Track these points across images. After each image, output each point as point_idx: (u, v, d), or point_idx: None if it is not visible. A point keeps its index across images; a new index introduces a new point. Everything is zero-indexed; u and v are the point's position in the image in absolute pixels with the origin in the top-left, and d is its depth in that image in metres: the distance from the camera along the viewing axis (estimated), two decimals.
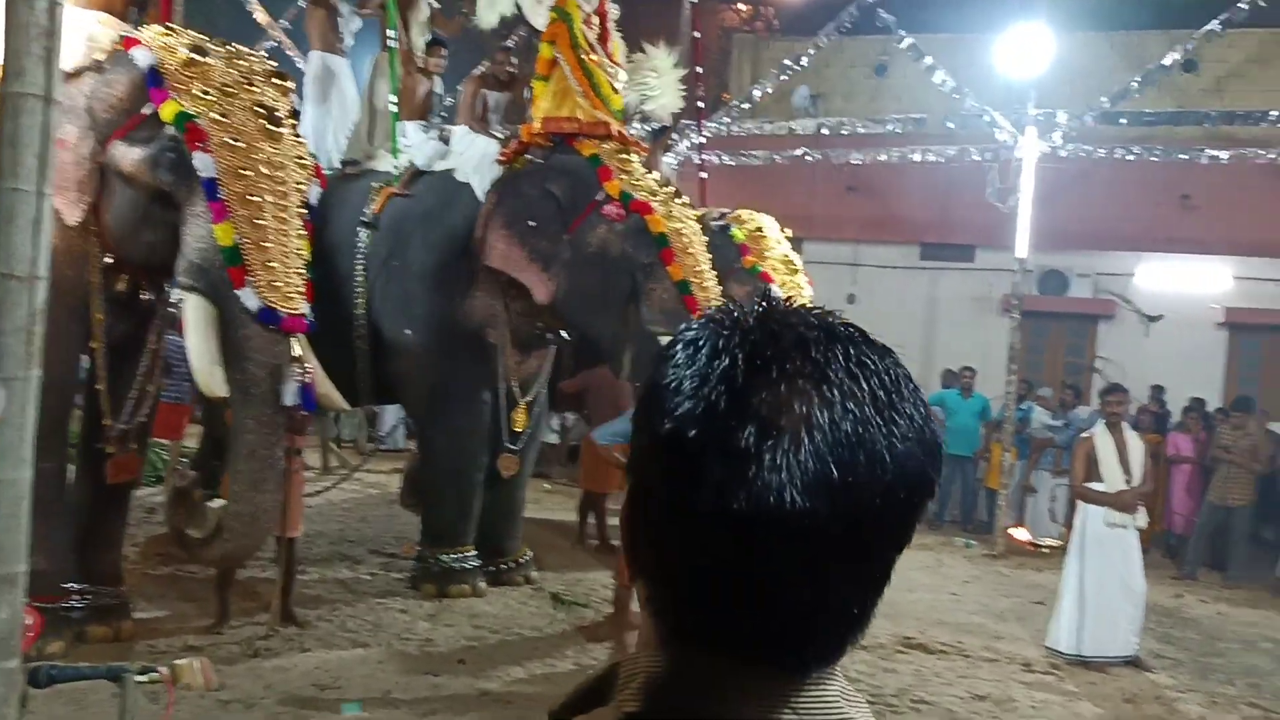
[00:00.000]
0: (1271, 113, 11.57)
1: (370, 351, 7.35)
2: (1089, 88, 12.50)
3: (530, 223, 6.85)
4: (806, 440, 0.70)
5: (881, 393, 0.73)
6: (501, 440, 7.44)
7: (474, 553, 7.37)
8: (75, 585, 5.49)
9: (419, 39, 8.17)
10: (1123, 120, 12.07)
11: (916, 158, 12.69)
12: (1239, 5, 10.82)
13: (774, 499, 0.69)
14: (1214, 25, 11.13)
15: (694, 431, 0.71)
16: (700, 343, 0.76)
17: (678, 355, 0.76)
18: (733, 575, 0.71)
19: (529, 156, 7.27)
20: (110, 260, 5.39)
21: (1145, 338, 14.13)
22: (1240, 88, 14.04)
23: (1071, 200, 12.44)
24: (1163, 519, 10.43)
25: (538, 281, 6.88)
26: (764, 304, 0.79)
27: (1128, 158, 11.77)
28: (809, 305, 0.79)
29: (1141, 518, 7.05)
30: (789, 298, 0.84)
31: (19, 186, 2.91)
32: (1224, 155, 11.56)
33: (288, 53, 14.23)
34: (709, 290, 7.00)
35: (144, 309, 5.70)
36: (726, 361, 0.73)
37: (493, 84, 8.13)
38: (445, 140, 7.64)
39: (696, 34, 10.83)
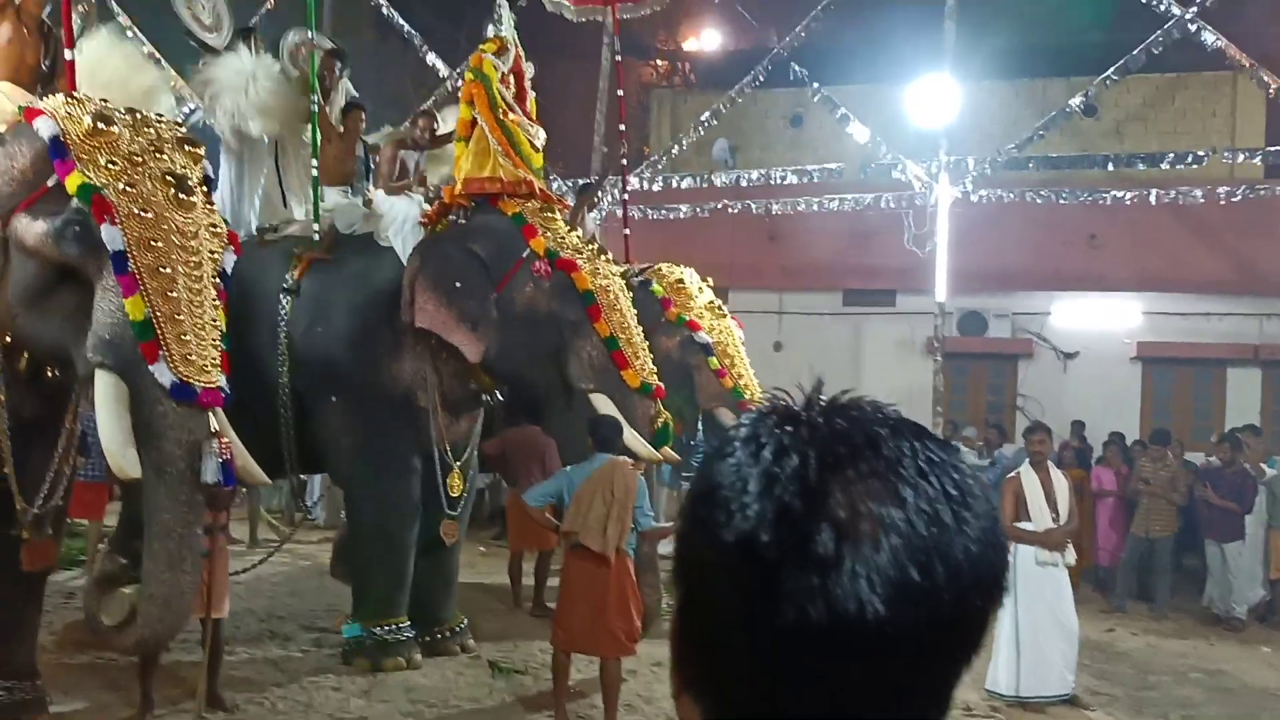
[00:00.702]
0: (1169, 154, 12.07)
1: (295, 419, 7.19)
2: (997, 134, 12.92)
3: (456, 284, 6.82)
4: (885, 544, 0.66)
5: (954, 490, 0.70)
6: (437, 506, 7.32)
7: (408, 623, 7.19)
8: None
9: (338, 103, 8.13)
10: (1030, 164, 12.48)
11: (835, 206, 12.94)
12: (1134, 53, 11.30)
13: (854, 608, 0.65)
14: (1111, 73, 11.60)
15: (767, 537, 0.68)
16: (762, 440, 0.72)
17: (737, 454, 0.72)
18: (804, 688, 0.67)
19: (452, 217, 7.24)
20: (9, 339, 5.18)
21: (1063, 374, 14.51)
22: (1139, 131, 14.66)
23: (986, 243, 12.77)
24: (1090, 554, 10.61)
25: (467, 341, 6.83)
26: (822, 398, 0.75)
27: (1036, 200, 12.15)
28: (865, 398, 0.76)
29: (1070, 555, 7.15)
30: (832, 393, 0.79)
31: None
32: (1127, 196, 11.98)
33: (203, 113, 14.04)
34: (636, 346, 7.03)
35: (51, 387, 5.48)
36: (796, 460, 0.70)
37: (412, 146, 8.11)
38: (366, 204, 7.56)
39: (620, 91, 10.94)
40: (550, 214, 7.21)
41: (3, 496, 5.41)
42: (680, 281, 9.43)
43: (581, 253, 7.06)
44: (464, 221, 7.18)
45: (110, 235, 4.62)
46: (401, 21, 14.46)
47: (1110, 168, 12.62)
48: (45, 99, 5.12)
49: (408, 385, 7.14)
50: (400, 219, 7.36)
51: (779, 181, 13.50)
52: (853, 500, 0.68)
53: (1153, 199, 11.88)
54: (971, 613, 0.70)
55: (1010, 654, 6.91)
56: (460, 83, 8.27)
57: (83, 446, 5.89)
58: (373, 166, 8.20)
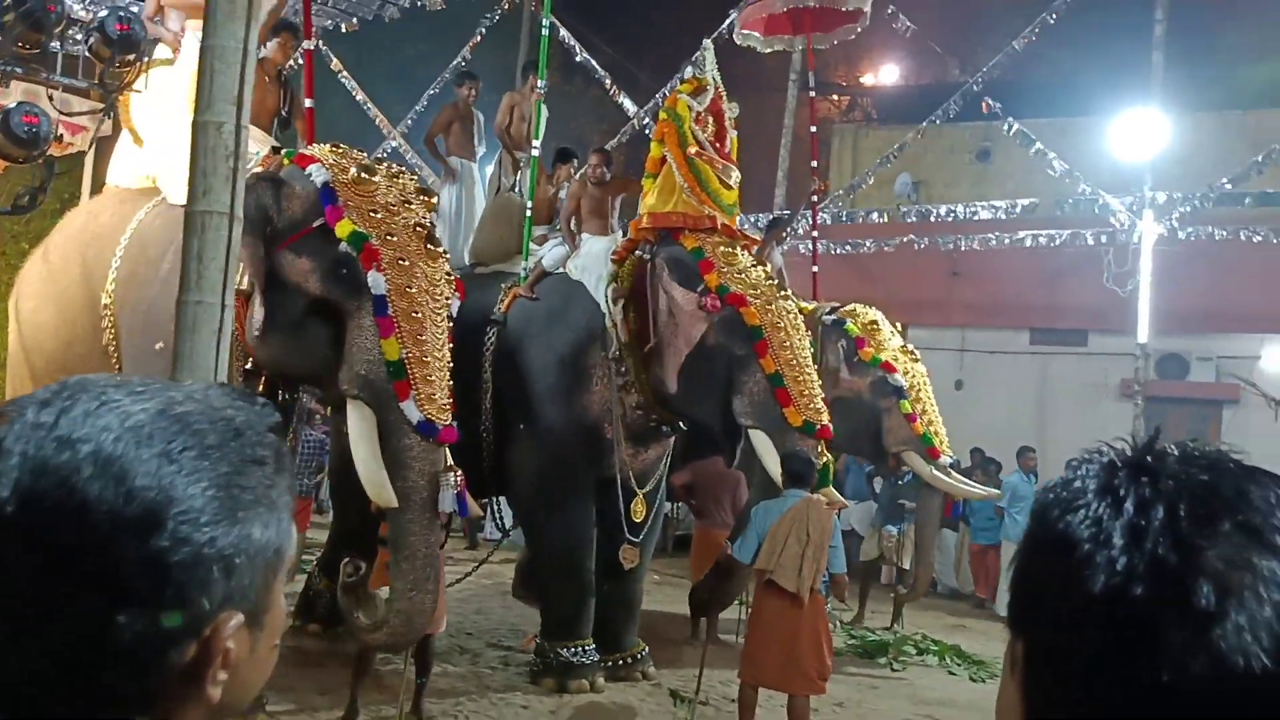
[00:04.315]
0: None
1: (495, 445, 7.47)
2: (1204, 168, 12.26)
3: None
4: (1269, 597, 0.66)
5: None
6: (620, 532, 7.44)
7: (593, 646, 7.32)
8: None
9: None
10: (1245, 200, 11.77)
11: (1028, 242, 12.53)
12: None
13: (1242, 662, 0.65)
14: None
15: (1141, 590, 0.67)
16: (1120, 491, 0.72)
17: (1091, 505, 0.72)
18: None
19: (638, 252, 7.39)
20: (251, 364, 5.63)
21: (1275, 422, 13.55)
22: None
23: (1190, 282, 12.11)
24: None
25: (672, 369, 6.97)
26: (1166, 448, 0.75)
27: (1254, 239, 11.44)
28: (1210, 447, 0.76)
29: None
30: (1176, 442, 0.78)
31: (203, 299, 3.06)
32: None
33: (404, 155, 14.87)
34: (805, 384, 6.88)
35: (282, 409, 5.91)
36: (1163, 512, 0.69)
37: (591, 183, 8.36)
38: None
39: (814, 128, 10.95)
40: (731, 250, 7.23)
41: None
42: (874, 323, 9.29)
43: (757, 288, 7.03)
44: (648, 256, 7.30)
45: (375, 280, 5.06)
46: (590, 60, 14.89)
47: None
48: (311, 147, 5.60)
49: (595, 416, 7.31)
50: (593, 254, 7.59)
51: (966, 217, 13.20)
52: (1229, 553, 0.67)
53: None
54: None
55: None
56: (646, 123, 8.48)
57: None
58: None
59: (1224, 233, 11.46)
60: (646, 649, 7.85)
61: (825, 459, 7.08)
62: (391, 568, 5.18)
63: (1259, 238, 11.49)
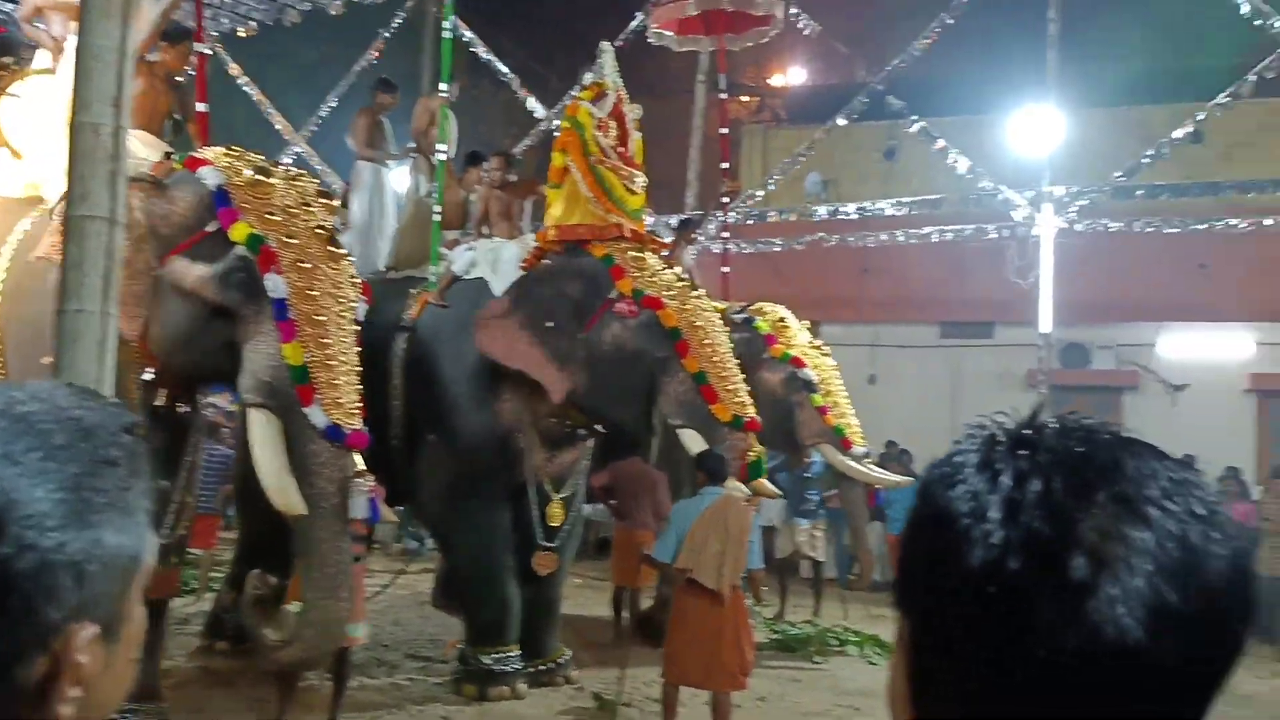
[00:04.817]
0: None
1: (406, 453, 7.36)
2: (1100, 163, 12.64)
3: (549, 323, 6.93)
4: (1140, 568, 0.65)
5: (1201, 510, 0.69)
6: (535, 538, 7.38)
7: (517, 653, 7.25)
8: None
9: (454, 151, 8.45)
10: (1138, 193, 12.18)
11: (934, 238, 12.80)
12: (1247, 78, 11.02)
13: (1113, 634, 0.64)
14: (1223, 98, 11.31)
15: (1016, 563, 0.66)
16: (997, 465, 0.71)
17: (970, 480, 0.71)
18: (1051, 717, 0.66)
19: (545, 262, 7.38)
20: (150, 375, 5.43)
21: (1171, 407, 14.04)
22: (1251, 157, 14.19)
23: (1089, 273, 12.48)
24: None
25: (554, 380, 6.93)
26: (1045, 421, 0.74)
27: (1146, 230, 11.85)
28: (1089, 420, 0.75)
29: None
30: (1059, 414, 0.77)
31: (83, 308, 2.94)
32: (1240, 223, 11.62)
33: (308, 159, 14.58)
34: (728, 380, 6.99)
35: (179, 422, 5.72)
36: (1039, 485, 0.68)
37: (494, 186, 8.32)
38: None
39: (724, 130, 11.04)
40: (641, 254, 7.25)
41: None
42: (782, 320, 9.43)
43: (671, 290, 7.08)
44: (555, 264, 7.29)
45: (274, 284, 4.94)
46: (498, 64, 14.78)
47: (1221, 195, 12.25)
48: (205, 151, 5.43)
49: (508, 424, 7.25)
50: (504, 259, 7.54)
51: (875, 214, 13.42)
52: (1103, 525, 0.66)
53: (1268, 224, 11.50)
54: (1226, 636, 0.68)
55: None
56: (555, 125, 8.46)
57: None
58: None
59: (1118, 225, 11.86)
60: (569, 653, 7.81)
61: (757, 452, 7.13)
62: (302, 577, 5.06)
63: (1150, 229, 11.91)
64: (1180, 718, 0.69)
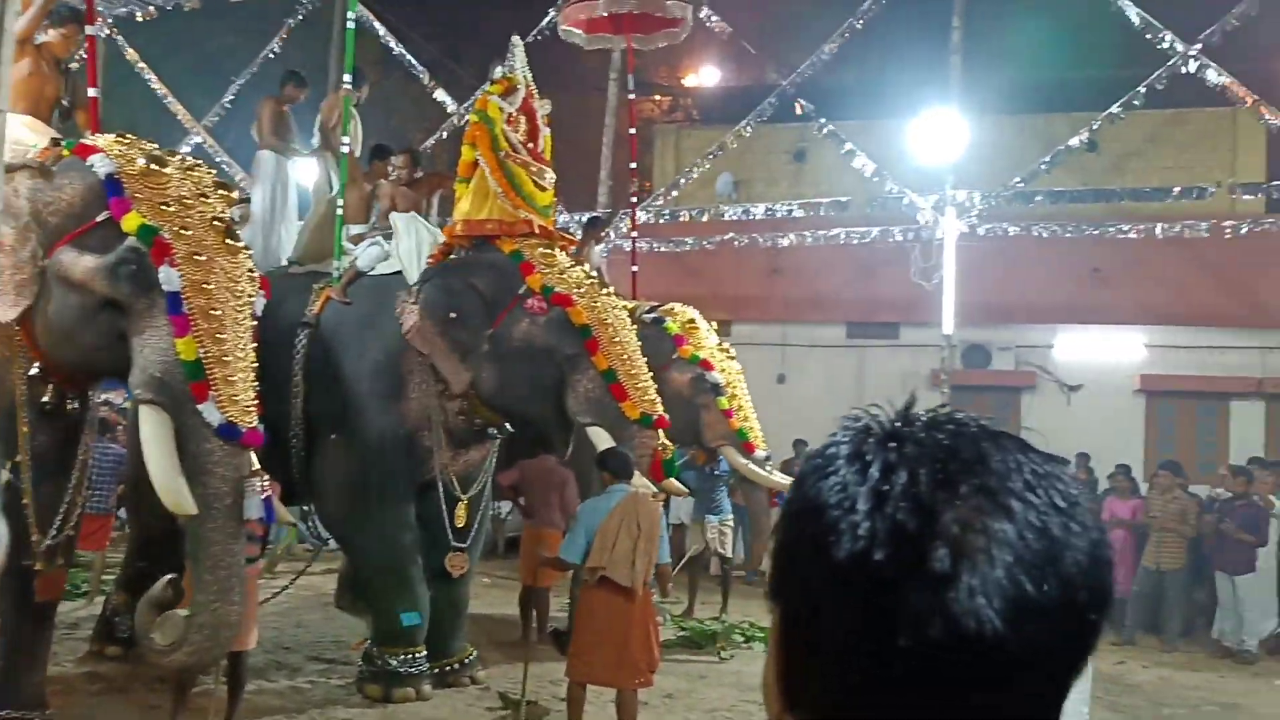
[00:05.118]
0: (1173, 189, 12.17)
1: (305, 452, 7.21)
2: (1001, 169, 12.99)
3: (452, 314, 6.87)
4: (1000, 559, 0.66)
5: (1062, 502, 0.70)
6: (445, 538, 7.30)
7: (423, 655, 7.15)
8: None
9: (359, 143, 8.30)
10: (1037, 198, 12.55)
11: (840, 239, 13.00)
12: (1138, 89, 11.44)
13: (973, 625, 0.65)
14: (1115, 109, 11.73)
15: (881, 555, 0.67)
16: (867, 456, 0.71)
17: (840, 470, 0.72)
18: (920, 706, 0.67)
19: (453, 257, 7.32)
20: (37, 370, 5.22)
21: (1067, 407, 14.50)
22: (1141, 166, 14.76)
23: (990, 276, 12.81)
24: None
25: (454, 370, 6.88)
26: (918, 414, 0.75)
27: (1041, 234, 12.22)
28: (960, 413, 0.76)
29: None
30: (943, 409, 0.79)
31: None
32: (1131, 230, 12.06)
33: (209, 150, 14.19)
34: (637, 378, 6.98)
35: (68, 419, 5.51)
36: (905, 476, 0.69)
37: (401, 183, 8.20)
38: (388, 240, 7.65)
39: (633, 130, 11.05)
40: (550, 251, 7.21)
41: (17, 527, 5.42)
42: (692, 321, 9.50)
43: (580, 287, 7.05)
44: (465, 258, 7.23)
45: (167, 276, 4.76)
46: (409, 58, 14.57)
47: (1114, 202, 12.69)
48: (95, 138, 5.22)
49: (413, 422, 7.15)
50: (415, 248, 7.45)
51: (784, 215, 13.58)
52: (965, 516, 0.67)
53: (1158, 232, 11.96)
54: (1084, 625, 0.70)
55: None
56: (466, 119, 8.37)
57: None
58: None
59: (1017, 229, 12.21)
60: (475, 653, 7.75)
61: (668, 450, 7.14)
62: (193, 579, 4.89)
63: (1048, 234, 12.29)
64: (1044, 697, 0.70)
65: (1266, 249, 12.64)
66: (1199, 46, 11.27)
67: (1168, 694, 8.33)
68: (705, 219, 14.09)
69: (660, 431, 6.99)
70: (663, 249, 13.68)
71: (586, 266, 7.74)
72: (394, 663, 7.02)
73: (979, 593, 0.65)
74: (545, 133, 7.60)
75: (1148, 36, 11.49)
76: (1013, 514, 0.68)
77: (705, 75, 21.96)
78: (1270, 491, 10.22)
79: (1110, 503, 11.02)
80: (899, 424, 0.74)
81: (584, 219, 11.22)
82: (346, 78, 7.89)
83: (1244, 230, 11.73)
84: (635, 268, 11.02)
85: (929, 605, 0.65)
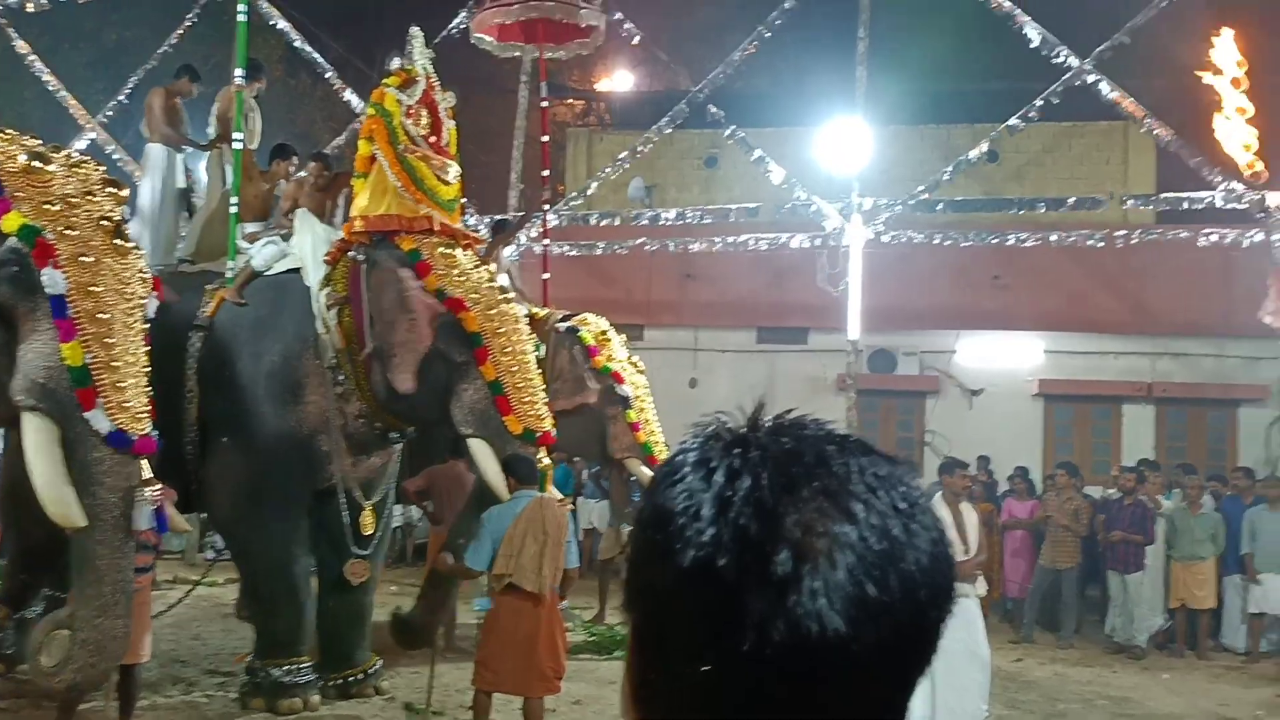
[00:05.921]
0: (1068, 198, 12.57)
1: (201, 458, 7.00)
2: (906, 178, 13.29)
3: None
4: (841, 561, 0.67)
5: (902, 504, 0.71)
6: (347, 545, 7.16)
7: (308, 664, 7.00)
8: None
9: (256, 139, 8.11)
10: (939, 207, 12.85)
11: (750, 245, 13.13)
12: (1035, 102, 11.81)
13: (815, 627, 0.65)
14: (1014, 120, 12.08)
15: (725, 561, 0.67)
16: (712, 463, 0.71)
17: (687, 478, 0.71)
18: (767, 709, 0.67)
19: (351, 254, 7.01)
20: None
21: (969, 410, 14.86)
22: (1039, 176, 15.24)
23: (895, 283, 13.06)
24: (999, 585, 10.87)
25: (407, 369, 6.72)
26: (765, 419, 0.75)
27: (944, 243, 12.51)
28: (807, 417, 0.76)
29: (981, 586, 7.30)
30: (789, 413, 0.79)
31: None
32: (1029, 239, 12.43)
33: (106, 149, 13.72)
34: (526, 391, 6.66)
35: None
36: (748, 482, 0.69)
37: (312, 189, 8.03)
38: (285, 239, 7.46)
39: (546, 137, 11.00)
40: (451, 251, 6.85)
41: None
42: (605, 333, 9.45)
43: (479, 292, 6.73)
44: (361, 258, 6.96)
45: (51, 279, 4.59)
46: (316, 56, 14.30)
47: (1013, 211, 13.07)
48: None
49: (311, 427, 6.97)
50: (312, 247, 7.26)
51: (695, 221, 13.67)
52: (807, 520, 0.68)
53: (1054, 241, 12.35)
54: (925, 625, 0.70)
55: (925, 685, 6.93)
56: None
57: None
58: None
59: (920, 237, 12.49)
60: (380, 663, 7.62)
61: (545, 464, 6.91)
62: (76, 593, 4.71)
63: (949, 242, 12.60)
64: (888, 697, 0.71)
65: (1156, 258, 13.14)
66: (1092, 61, 11.68)
67: (1063, 689, 8.58)
68: (617, 223, 14.10)
69: (543, 449, 6.65)
70: (574, 253, 13.65)
71: (494, 268, 7.60)
72: (277, 673, 6.85)
73: (821, 594, 0.66)
74: (449, 125, 7.29)
75: (1044, 52, 11.85)
76: (854, 516, 0.68)
77: (619, 80, 22.03)
78: (1158, 492, 10.61)
79: (1009, 504, 11.33)
80: (745, 430, 0.74)
81: (494, 220, 11.11)
82: (239, 71, 7.71)
83: (1135, 240, 12.15)
84: (547, 275, 10.96)
85: (772, 608, 0.66)
